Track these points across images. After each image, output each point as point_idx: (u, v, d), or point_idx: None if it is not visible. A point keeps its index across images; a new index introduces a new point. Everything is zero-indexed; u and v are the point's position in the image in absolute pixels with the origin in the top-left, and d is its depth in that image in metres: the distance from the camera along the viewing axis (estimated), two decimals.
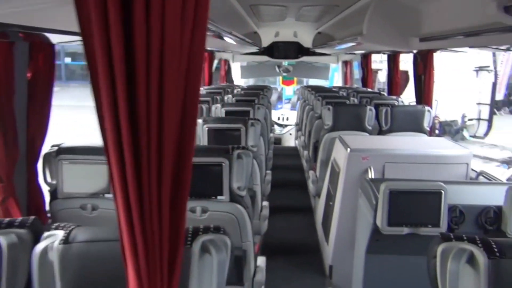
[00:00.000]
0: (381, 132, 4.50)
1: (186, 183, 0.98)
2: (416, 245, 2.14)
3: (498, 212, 2.05)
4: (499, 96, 14.85)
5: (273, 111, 10.52)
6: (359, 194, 2.44)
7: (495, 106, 13.44)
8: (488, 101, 12.54)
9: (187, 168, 0.97)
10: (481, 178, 3.06)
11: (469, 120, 13.20)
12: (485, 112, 12.69)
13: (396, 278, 2.24)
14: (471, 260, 1.20)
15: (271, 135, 6.94)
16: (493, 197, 2.24)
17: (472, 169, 3.09)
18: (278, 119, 10.88)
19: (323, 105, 4.83)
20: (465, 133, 13.02)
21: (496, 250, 1.18)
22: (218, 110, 4.53)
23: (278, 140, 10.44)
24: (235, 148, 2.29)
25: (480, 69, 12.81)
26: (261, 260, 2.70)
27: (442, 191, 2.00)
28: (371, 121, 4.50)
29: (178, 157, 0.96)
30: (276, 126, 10.69)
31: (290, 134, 10.64)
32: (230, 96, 6.01)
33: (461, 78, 12.96)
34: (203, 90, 6.76)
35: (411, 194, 2.02)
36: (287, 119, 10.82)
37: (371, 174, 2.96)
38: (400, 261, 2.23)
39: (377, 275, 2.25)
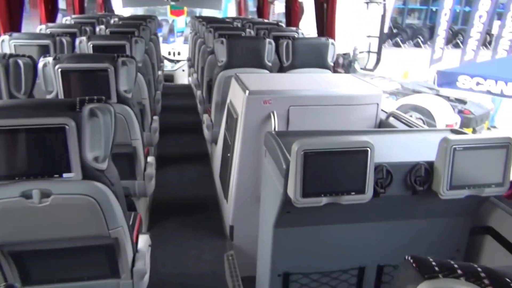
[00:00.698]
0: (282, 69, 4.01)
1: None
2: (335, 213, 1.73)
3: (429, 169, 1.68)
4: (385, 29, 15.41)
5: (164, 45, 9.59)
6: (264, 153, 1.93)
7: None
8: (377, 34, 12.87)
9: None
10: (392, 119, 2.77)
11: (360, 52, 13.53)
12: (374, 45, 13.07)
13: (310, 249, 1.85)
14: None
15: (160, 73, 6.11)
16: (421, 148, 1.89)
17: (382, 110, 2.79)
18: (169, 54, 10.02)
19: (216, 37, 4.14)
20: (356, 66, 13.36)
21: None
22: (83, 45, 3.57)
23: (170, 78, 9.69)
24: (86, 101, 1.56)
25: (370, 1, 12.96)
26: (143, 242, 2.11)
27: (369, 148, 1.55)
28: (270, 56, 3.96)
29: None
30: (167, 62, 9.84)
31: (183, 70, 9.92)
32: (103, 27, 4.95)
33: (352, 10, 12.99)
34: (69, 19, 5.56)
35: (329, 155, 1.54)
36: (179, 53, 10.00)
37: (275, 121, 2.48)
38: (315, 231, 1.81)
39: (289, 247, 1.83)
